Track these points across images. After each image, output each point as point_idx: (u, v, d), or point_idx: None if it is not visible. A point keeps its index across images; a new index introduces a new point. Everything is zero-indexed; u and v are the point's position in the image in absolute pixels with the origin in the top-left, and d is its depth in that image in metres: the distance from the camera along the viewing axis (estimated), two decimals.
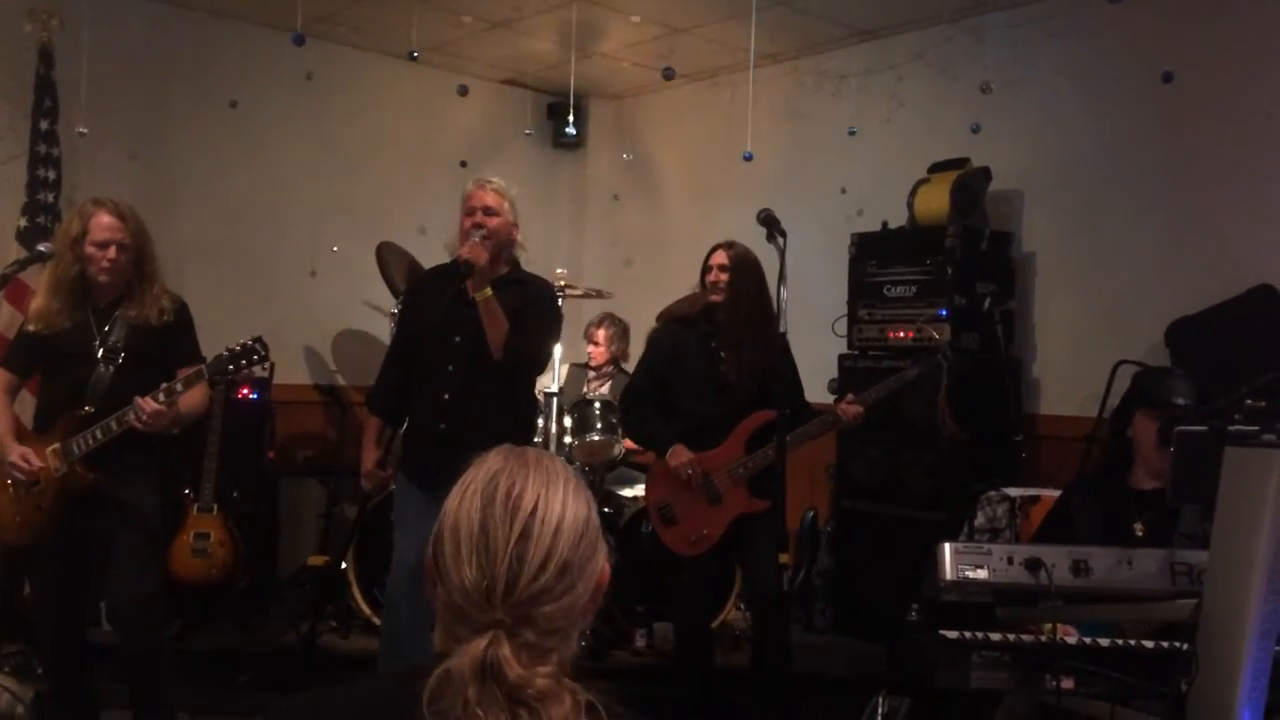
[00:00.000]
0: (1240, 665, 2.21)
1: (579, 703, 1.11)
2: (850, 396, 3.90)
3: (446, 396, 3.48)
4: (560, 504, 1.19)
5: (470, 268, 3.35)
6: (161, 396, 3.14)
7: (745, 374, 3.81)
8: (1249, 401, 2.22)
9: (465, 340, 3.46)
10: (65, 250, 3.30)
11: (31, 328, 3.34)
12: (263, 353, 3.24)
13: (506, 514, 1.16)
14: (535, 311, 3.57)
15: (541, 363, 3.78)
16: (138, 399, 3.13)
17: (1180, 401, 2.98)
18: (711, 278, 3.88)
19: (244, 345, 3.22)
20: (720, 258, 3.88)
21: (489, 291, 3.39)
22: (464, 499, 1.20)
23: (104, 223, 3.28)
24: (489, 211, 3.50)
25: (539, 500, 1.18)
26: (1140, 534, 2.97)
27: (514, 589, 1.14)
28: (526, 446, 1.27)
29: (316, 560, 5.11)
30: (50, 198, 4.79)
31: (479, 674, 1.09)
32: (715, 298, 3.86)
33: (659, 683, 4.32)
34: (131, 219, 3.34)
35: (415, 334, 3.61)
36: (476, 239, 3.42)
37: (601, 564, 1.24)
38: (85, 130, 4.66)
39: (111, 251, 3.27)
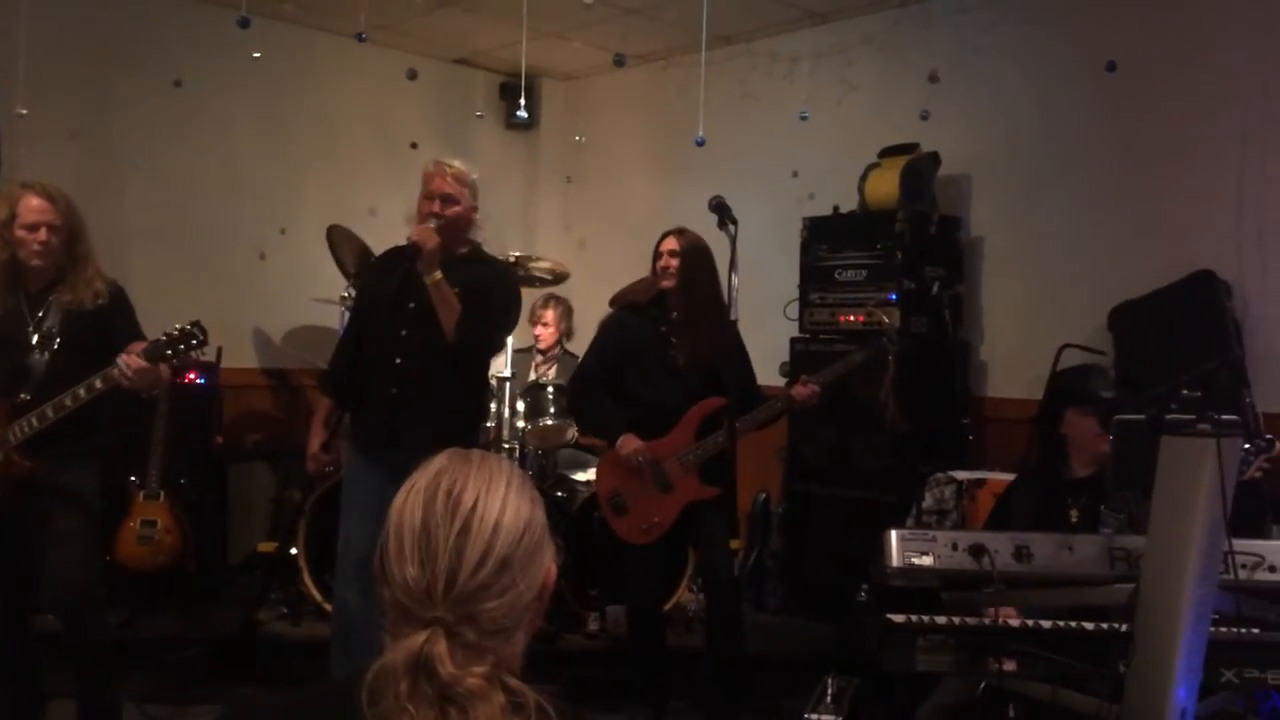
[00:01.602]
0: (1176, 646, 2.27)
1: (511, 704, 1.12)
2: (804, 378, 3.93)
3: (398, 360, 3.48)
4: (500, 501, 1.20)
5: (418, 250, 3.34)
6: (139, 359, 3.08)
7: (696, 360, 3.83)
8: (1185, 391, 2.28)
9: (418, 307, 3.46)
10: None
11: None
12: (201, 337, 3.19)
13: (447, 511, 1.18)
14: (493, 294, 3.56)
15: (496, 345, 3.78)
16: (123, 356, 3.08)
17: (1107, 395, 3.10)
18: (661, 264, 3.88)
19: (182, 330, 3.16)
20: (670, 244, 3.89)
21: (438, 275, 3.38)
22: (408, 498, 1.22)
23: (33, 205, 3.21)
24: (447, 199, 3.48)
25: (479, 498, 1.20)
26: (1075, 519, 3.05)
27: (454, 585, 1.15)
28: (472, 449, 1.29)
29: (266, 546, 5.07)
30: None
31: (411, 669, 1.11)
32: (666, 284, 3.87)
33: (612, 665, 4.35)
34: (61, 200, 3.26)
35: (369, 308, 3.60)
36: (431, 225, 3.40)
37: (547, 564, 1.25)
38: (25, 111, 4.55)
39: (42, 234, 3.20)
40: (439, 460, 1.26)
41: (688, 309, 3.85)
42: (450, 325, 3.40)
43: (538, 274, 5.21)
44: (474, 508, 1.19)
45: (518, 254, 5.13)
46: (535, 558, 1.22)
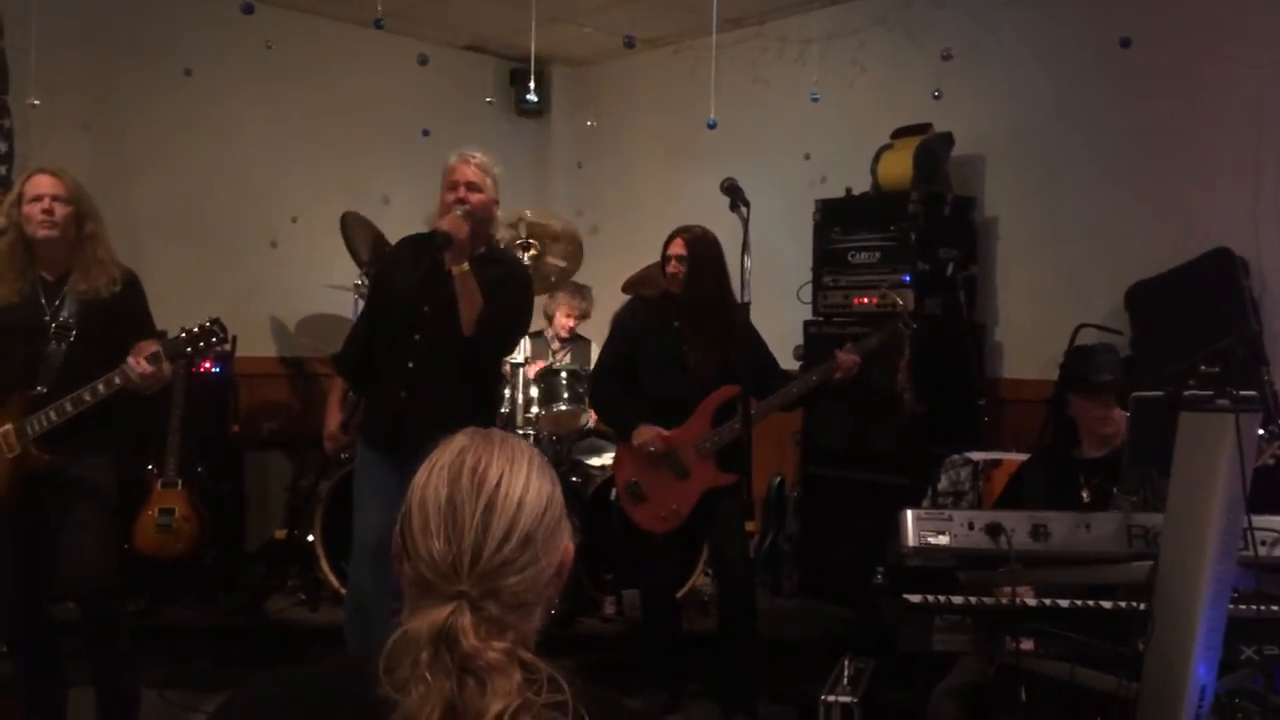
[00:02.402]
0: (1195, 624, 2.26)
1: (527, 680, 1.13)
2: (849, 345, 3.94)
3: (410, 365, 3.46)
4: (524, 479, 1.22)
5: (449, 240, 3.30)
6: (146, 363, 3.11)
7: (708, 357, 3.83)
8: (1203, 368, 2.26)
9: (434, 310, 3.44)
10: (8, 220, 3.25)
11: None
12: (221, 334, 3.21)
13: (473, 488, 1.20)
14: (510, 293, 3.54)
15: (512, 345, 3.77)
16: (130, 360, 3.10)
17: (1104, 379, 3.10)
18: (671, 269, 3.89)
19: (202, 327, 3.18)
20: (677, 247, 3.88)
21: (466, 266, 3.34)
22: (431, 475, 1.23)
23: (39, 180, 3.24)
24: (472, 187, 3.45)
25: (503, 475, 1.21)
26: (1087, 499, 3.04)
27: (479, 559, 1.17)
28: (492, 428, 1.31)
29: (282, 534, 5.09)
30: (3, 170, 4.70)
31: (433, 639, 1.12)
32: (675, 290, 3.88)
33: (628, 649, 4.36)
34: (70, 177, 3.28)
35: (386, 300, 3.59)
36: (458, 213, 3.38)
37: (565, 542, 1.26)
38: (37, 102, 4.56)
39: (45, 203, 3.21)
40: (460, 438, 1.27)
41: (697, 307, 3.86)
42: (471, 319, 3.37)
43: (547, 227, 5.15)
44: (498, 484, 1.20)
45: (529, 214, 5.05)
46: (556, 535, 1.24)
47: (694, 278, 3.84)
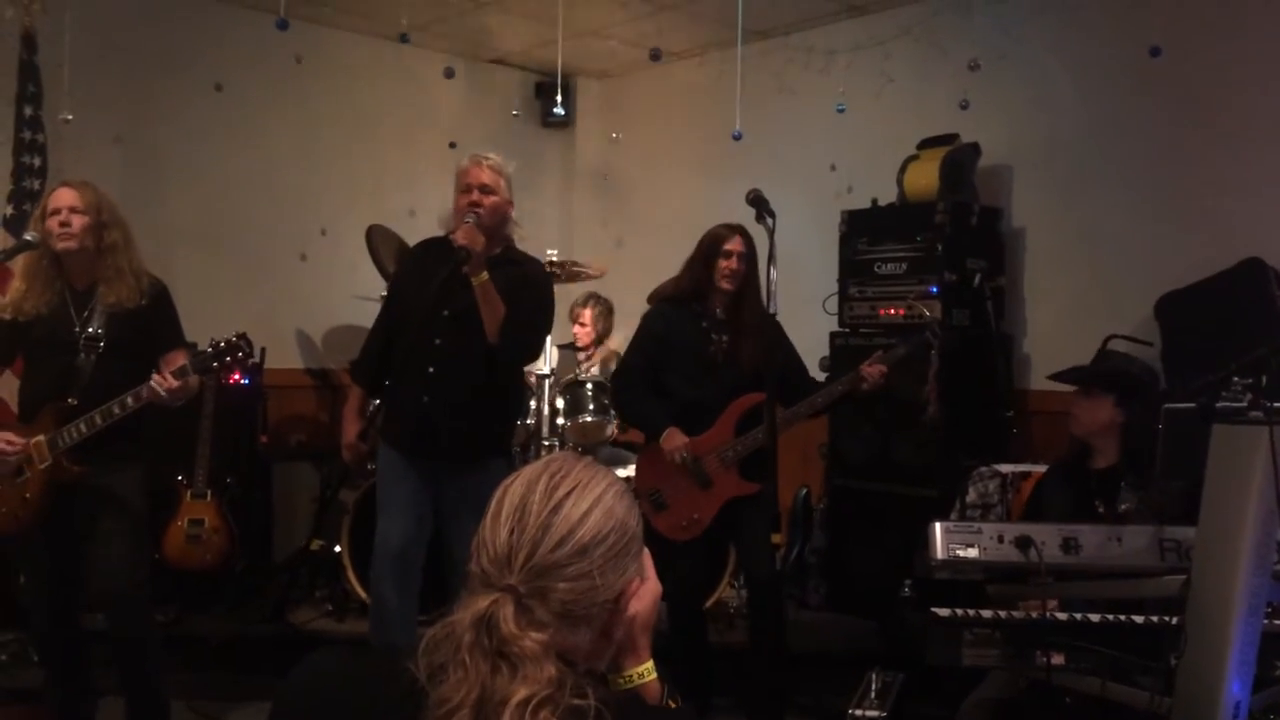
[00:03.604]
0: (1229, 639, 2.23)
1: (558, 679, 1.16)
2: (877, 355, 3.91)
3: (431, 369, 3.48)
4: (596, 496, 1.29)
5: (469, 255, 3.31)
6: (173, 378, 3.15)
7: (740, 359, 3.80)
8: (1236, 379, 2.23)
9: (453, 314, 3.46)
10: (38, 234, 3.30)
11: (7, 315, 3.32)
12: (246, 349, 3.24)
13: (547, 491, 1.27)
14: (531, 296, 3.55)
15: (538, 348, 3.77)
16: (155, 378, 3.14)
17: (1075, 374, 3.23)
18: (731, 265, 3.80)
19: (228, 342, 3.20)
20: (738, 244, 3.80)
21: (485, 276, 3.35)
22: (516, 479, 1.31)
23: (59, 194, 3.30)
24: (485, 189, 3.46)
25: (577, 487, 1.28)
26: (1101, 510, 3.02)
27: (534, 555, 1.22)
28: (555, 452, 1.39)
29: (316, 545, 5.12)
30: (36, 185, 4.75)
31: (475, 623, 1.18)
32: (728, 286, 3.81)
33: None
34: (90, 189, 3.32)
35: (404, 307, 3.59)
36: (470, 221, 3.38)
37: (631, 576, 1.31)
38: (70, 116, 4.62)
39: (64, 215, 3.25)
40: (553, 455, 1.37)
41: (740, 310, 3.82)
42: (495, 327, 3.38)
43: (580, 271, 5.20)
44: (570, 493, 1.27)
45: (552, 252, 5.13)
46: (618, 560, 1.28)
47: (746, 278, 3.82)
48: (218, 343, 3.21)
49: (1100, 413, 3.18)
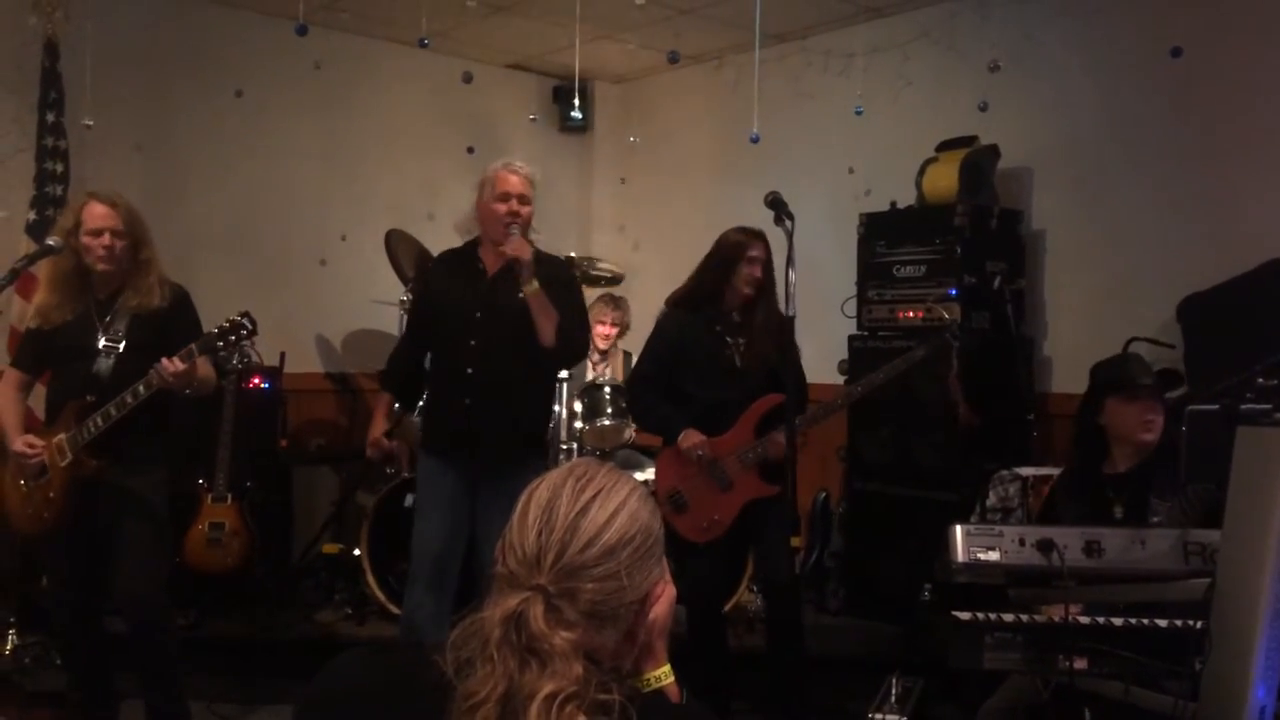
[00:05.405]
0: (1255, 643, 2.20)
1: (585, 677, 1.18)
2: (866, 378, 3.90)
3: (470, 370, 3.52)
4: (621, 499, 1.31)
5: (520, 265, 3.40)
6: (179, 360, 3.16)
7: (756, 363, 3.80)
8: (1261, 380, 2.21)
9: (485, 318, 3.52)
10: (64, 242, 3.32)
11: (34, 324, 3.36)
12: (250, 327, 3.24)
13: (573, 494, 1.30)
14: (567, 295, 3.60)
15: (586, 346, 3.83)
16: (162, 360, 3.14)
17: (1146, 382, 3.07)
18: (756, 272, 3.80)
19: (232, 321, 3.22)
20: (761, 251, 3.81)
21: (536, 285, 3.42)
22: (542, 482, 1.34)
23: (97, 212, 3.30)
24: (523, 200, 3.50)
25: (602, 491, 1.31)
26: (1120, 516, 2.98)
27: (562, 556, 1.25)
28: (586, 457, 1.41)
29: (331, 548, 5.14)
30: (58, 190, 4.80)
31: (505, 621, 1.21)
32: (748, 291, 3.82)
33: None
34: (124, 207, 3.35)
35: (438, 315, 3.64)
36: (516, 234, 3.43)
37: (655, 579, 1.33)
38: (91, 123, 4.67)
39: (105, 238, 3.28)
40: (576, 460, 1.41)
41: (756, 315, 3.82)
42: (551, 332, 3.45)
43: (600, 273, 5.22)
44: (595, 496, 1.30)
45: (572, 254, 5.14)
46: (643, 563, 1.31)
47: (766, 283, 3.82)
48: (222, 323, 3.23)
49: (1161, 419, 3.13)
